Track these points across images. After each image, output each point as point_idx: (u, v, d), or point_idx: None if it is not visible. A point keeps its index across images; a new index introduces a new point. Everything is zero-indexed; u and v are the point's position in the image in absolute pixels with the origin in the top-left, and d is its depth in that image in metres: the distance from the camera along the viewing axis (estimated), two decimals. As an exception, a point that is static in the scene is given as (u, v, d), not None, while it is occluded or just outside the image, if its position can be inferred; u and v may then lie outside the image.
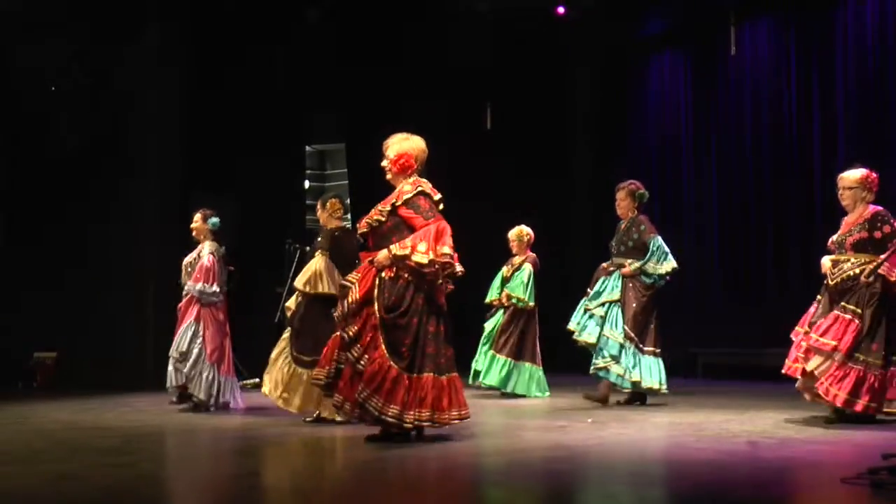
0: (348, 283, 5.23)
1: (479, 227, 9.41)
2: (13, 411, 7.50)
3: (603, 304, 7.30)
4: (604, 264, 7.58)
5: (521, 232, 8.88)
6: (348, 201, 11.92)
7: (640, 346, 7.22)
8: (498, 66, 12.17)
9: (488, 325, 8.86)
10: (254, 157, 11.01)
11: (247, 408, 7.48)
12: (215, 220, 7.57)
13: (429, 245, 5.06)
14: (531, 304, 8.61)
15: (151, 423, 6.63)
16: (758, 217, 11.09)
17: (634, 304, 7.26)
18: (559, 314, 8.26)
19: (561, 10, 12.06)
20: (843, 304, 5.80)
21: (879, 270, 5.68)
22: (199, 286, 7.33)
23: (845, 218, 6.12)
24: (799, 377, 6.00)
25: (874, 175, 6.06)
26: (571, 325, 7.49)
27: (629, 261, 7.35)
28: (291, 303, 6.67)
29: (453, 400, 5.16)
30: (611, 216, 7.78)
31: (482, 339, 8.86)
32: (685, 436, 5.39)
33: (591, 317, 7.35)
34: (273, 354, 6.63)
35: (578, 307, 7.53)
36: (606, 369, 7.20)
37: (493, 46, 11.90)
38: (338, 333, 5.24)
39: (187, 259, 7.60)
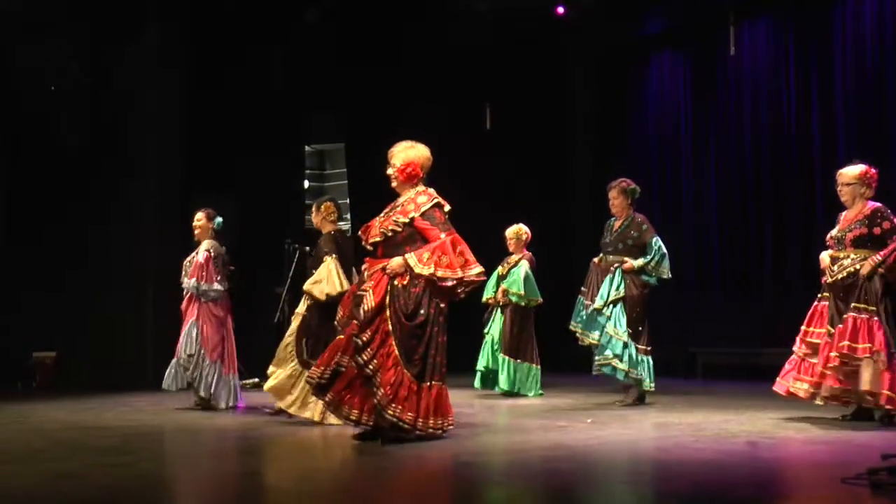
0: (362, 292, 5.24)
1: (479, 227, 9.38)
2: (13, 411, 7.50)
3: (611, 304, 7.26)
4: (595, 259, 7.54)
5: (519, 230, 8.87)
6: (347, 201, 11.93)
7: (637, 344, 7.23)
8: (498, 66, 12.16)
9: (495, 330, 8.74)
10: (254, 157, 11.01)
11: (247, 407, 7.49)
12: (220, 219, 7.67)
13: (452, 261, 5.13)
14: (539, 299, 8.59)
15: (151, 422, 6.64)
16: (757, 216, 11.08)
17: (634, 303, 7.27)
18: (559, 314, 8.26)
19: (561, 10, 12.04)
20: (854, 304, 5.74)
21: (881, 269, 5.68)
22: (193, 282, 7.41)
23: (844, 213, 6.09)
24: (810, 391, 5.91)
25: (873, 171, 6.04)
26: (573, 325, 7.48)
27: (629, 259, 7.34)
28: (301, 308, 6.62)
29: (449, 408, 5.29)
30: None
31: (485, 342, 8.83)
32: (684, 436, 5.39)
33: (598, 316, 7.31)
34: (280, 353, 6.58)
35: (577, 306, 7.51)
36: (612, 366, 7.20)
37: (493, 47, 11.89)
38: (340, 337, 5.26)
39: (187, 259, 7.65)
